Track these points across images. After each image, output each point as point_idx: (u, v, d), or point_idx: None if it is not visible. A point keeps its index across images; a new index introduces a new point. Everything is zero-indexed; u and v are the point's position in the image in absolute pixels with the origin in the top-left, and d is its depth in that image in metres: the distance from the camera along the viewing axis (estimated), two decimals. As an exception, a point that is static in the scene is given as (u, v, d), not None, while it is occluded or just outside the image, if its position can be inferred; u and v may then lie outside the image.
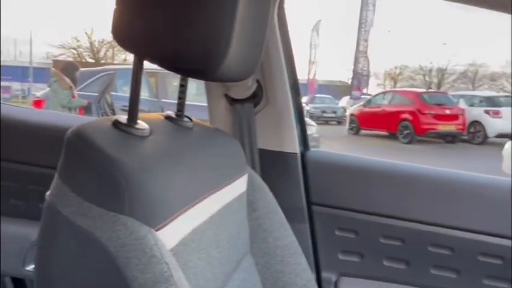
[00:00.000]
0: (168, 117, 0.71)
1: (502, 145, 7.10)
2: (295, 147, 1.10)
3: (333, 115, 18.66)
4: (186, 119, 0.73)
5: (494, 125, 11.98)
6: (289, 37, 1.11)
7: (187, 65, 0.58)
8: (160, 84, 6.31)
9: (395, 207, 1.04)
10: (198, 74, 0.61)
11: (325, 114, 18.51)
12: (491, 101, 12.88)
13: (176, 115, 0.73)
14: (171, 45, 0.55)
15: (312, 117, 16.46)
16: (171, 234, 0.54)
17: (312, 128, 7.03)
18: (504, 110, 12.15)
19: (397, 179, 1.07)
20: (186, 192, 0.60)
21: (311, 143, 1.21)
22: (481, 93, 15.62)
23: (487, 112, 12.30)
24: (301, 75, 16.19)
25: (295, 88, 1.13)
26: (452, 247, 1.00)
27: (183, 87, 0.73)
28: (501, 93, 16.06)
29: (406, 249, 1.03)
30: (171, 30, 0.54)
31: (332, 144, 10.74)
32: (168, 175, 0.56)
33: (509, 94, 16.36)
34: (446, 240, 1.01)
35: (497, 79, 34.71)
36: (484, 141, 12.25)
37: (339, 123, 18.12)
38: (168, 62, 0.58)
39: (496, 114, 12.12)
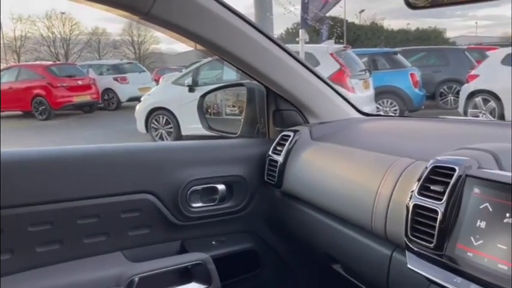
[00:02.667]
0: None
1: (134, 108, 7.90)
2: None
3: None
4: None
5: (124, 90, 13.13)
6: None
7: None
8: None
9: (39, 193, 1.03)
10: None
11: None
12: (117, 69, 13.96)
13: None
14: None
15: None
16: None
17: None
18: (130, 76, 13.46)
19: (36, 165, 1.04)
20: None
21: None
22: (108, 62, 16.60)
23: (115, 79, 13.30)
24: None
25: None
26: (98, 214, 1.09)
27: None
28: (125, 60, 17.56)
29: (56, 230, 1.05)
30: None
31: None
32: None
33: (132, 61, 18.14)
34: (92, 209, 1.08)
35: (119, 47, 37.61)
36: (119, 106, 13.29)
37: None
38: None
39: (124, 80, 13.29)
